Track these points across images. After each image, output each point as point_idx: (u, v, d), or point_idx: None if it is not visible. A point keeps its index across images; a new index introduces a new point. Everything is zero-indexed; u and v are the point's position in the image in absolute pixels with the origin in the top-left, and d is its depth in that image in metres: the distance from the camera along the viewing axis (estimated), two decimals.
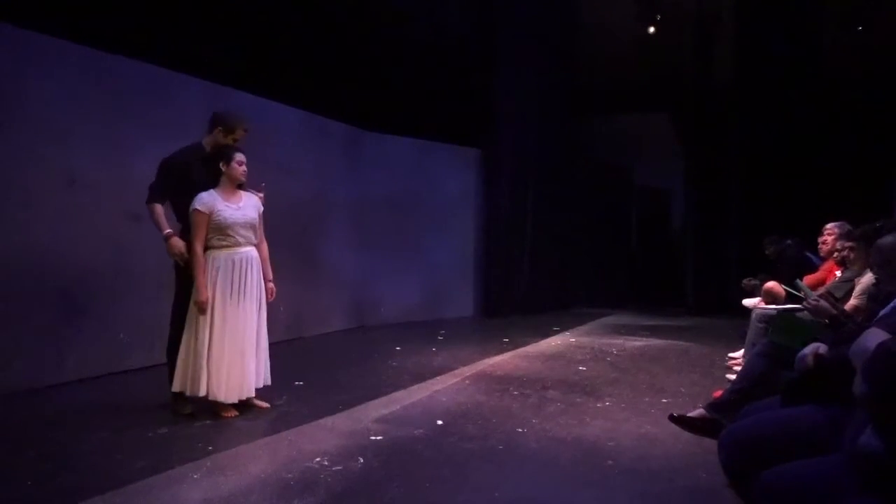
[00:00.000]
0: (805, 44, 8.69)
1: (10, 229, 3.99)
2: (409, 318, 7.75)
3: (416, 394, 4.18)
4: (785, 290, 4.43)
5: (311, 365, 5.14)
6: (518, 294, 8.88)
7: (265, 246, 3.75)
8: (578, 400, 4.06)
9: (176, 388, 3.47)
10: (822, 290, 3.86)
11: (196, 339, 3.44)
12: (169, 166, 3.61)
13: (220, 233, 3.50)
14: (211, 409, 3.52)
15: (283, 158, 6.00)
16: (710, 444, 2.71)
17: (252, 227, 3.62)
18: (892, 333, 1.70)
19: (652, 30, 9.27)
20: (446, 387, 4.39)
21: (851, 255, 3.82)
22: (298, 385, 4.31)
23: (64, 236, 4.27)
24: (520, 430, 3.40)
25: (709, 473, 2.69)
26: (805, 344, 2.15)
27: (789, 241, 6.15)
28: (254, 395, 3.65)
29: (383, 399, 4.01)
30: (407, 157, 7.84)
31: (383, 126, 7.59)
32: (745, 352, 4.68)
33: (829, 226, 4.43)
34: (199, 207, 3.45)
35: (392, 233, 7.69)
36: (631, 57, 9.51)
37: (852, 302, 3.49)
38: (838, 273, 4.13)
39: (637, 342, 6.47)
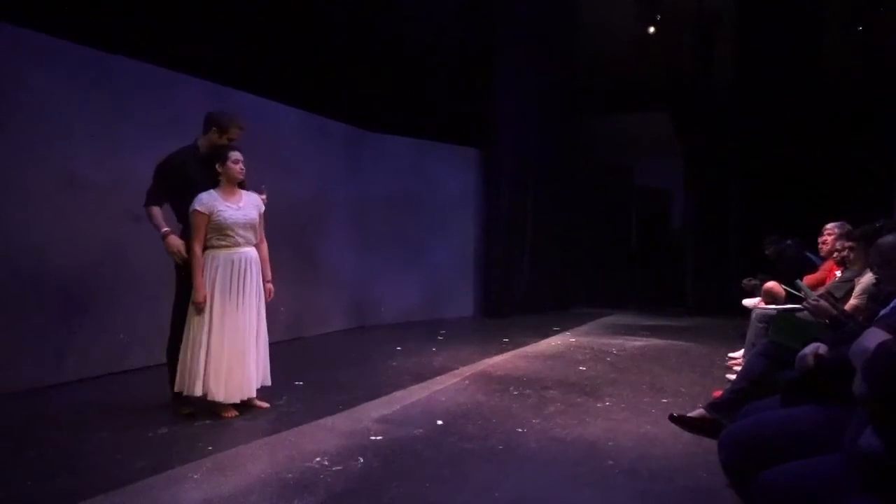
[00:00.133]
0: (805, 44, 8.68)
1: (10, 229, 3.99)
2: (409, 318, 7.75)
3: (416, 394, 4.18)
4: (785, 290, 4.43)
5: (311, 365, 5.14)
6: (518, 294, 8.88)
7: (265, 246, 3.75)
8: (578, 400, 4.06)
9: (176, 388, 3.48)
10: (822, 290, 3.86)
11: (193, 338, 3.45)
12: (165, 169, 3.61)
13: (220, 233, 3.50)
14: (211, 409, 3.52)
15: (283, 158, 6.00)
16: (710, 444, 2.71)
17: (252, 227, 3.62)
18: (892, 333, 1.70)
19: (652, 30, 9.27)
20: (446, 387, 4.39)
21: (851, 255, 3.82)
22: (298, 385, 4.31)
23: (64, 236, 4.27)
24: (520, 430, 3.40)
25: (709, 473, 2.70)
26: (805, 344, 2.15)
27: (789, 241, 6.15)
28: (255, 395, 3.65)
29: (383, 399, 4.01)
30: (407, 157, 7.84)
31: (383, 126, 7.59)
32: (745, 352, 4.68)
33: (829, 226, 4.43)
34: (198, 208, 3.45)
35: (392, 233, 7.69)
36: (631, 57, 9.50)
37: (852, 302, 3.49)
38: (838, 273, 4.13)
39: (637, 342, 6.47)
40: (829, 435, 1.76)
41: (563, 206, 9.54)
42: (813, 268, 5.10)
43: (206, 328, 3.43)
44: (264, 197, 3.78)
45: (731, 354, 5.38)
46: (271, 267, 3.78)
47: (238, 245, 3.55)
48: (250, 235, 3.61)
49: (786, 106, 8.63)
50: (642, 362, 5.38)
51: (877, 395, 1.45)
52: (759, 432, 1.96)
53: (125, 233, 4.59)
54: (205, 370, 3.41)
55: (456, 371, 4.90)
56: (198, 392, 3.41)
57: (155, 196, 3.61)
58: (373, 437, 3.23)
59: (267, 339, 3.73)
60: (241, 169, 3.57)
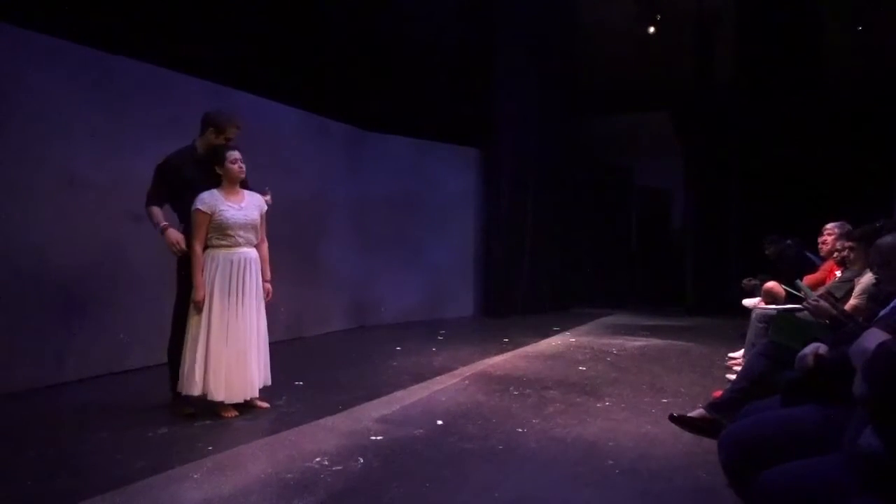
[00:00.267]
0: (805, 44, 8.68)
1: (10, 229, 3.99)
2: (409, 318, 7.75)
3: (416, 394, 4.18)
4: (785, 290, 4.43)
5: (311, 365, 5.14)
6: (518, 294, 8.88)
7: (266, 246, 3.75)
8: (578, 400, 4.06)
9: (181, 389, 3.47)
10: (822, 290, 3.86)
11: (193, 338, 3.45)
12: (163, 170, 3.61)
13: (221, 232, 3.50)
14: (211, 409, 3.52)
15: (283, 158, 6.00)
16: (710, 444, 2.71)
17: (254, 227, 3.62)
18: (892, 333, 1.70)
19: (652, 30, 9.27)
20: (446, 387, 4.39)
21: (851, 255, 3.82)
22: (298, 385, 4.31)
23: (64, 236, 4.27)
24: (520, 430, 3.40)
25: (709, 473, 2.70)
26: (805, 344, 2.15)
27: (789, 241, 6.15)
28: (257, 395, 3.66)
29: (383, 399, 4.01)
30: (407, 157, 7.84)
31: (383, 126, 7.59)
32: (745, 352, 4.68)
33: (829, 226, 4.43)
34: (200, 207, 3.45)
35: (392, 233, 7.69)
36: (631, 57, 9.50)
37: (852, 302, 3.49)
38: (838, 273, 4.13)
39: (637, 342, 6.47)
40: (829, 435, 1.75)
41: (563, 206, 9.53)
42: (813, 268, 5.10)
43: (205, 328, 3.43)
44: (268, 199, 3.79)
45: (731, 354, 5.38)
46: (271, 267, 3.78)
47: (238, 245, 3.55)
48: (251, 236, 3.61)
49: (786, 106, 8.63)
50: (642, 362, 5.38)
51: (877, 395, 1.45)
52: (759, 432, 1.96)
53: (125, 233, 4.59)
54: (204, 370, 3.41)
55: (456, 371, 4.90)
56: (195, 391, 3.41)
57: (155, 197, 3.62)
58: (373, 437, 3.23)
59: (267, 339, 3.73)
60: (241, 168, 3.56)
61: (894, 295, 2.12)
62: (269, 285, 3.74)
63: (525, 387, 4.39)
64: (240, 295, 3.52)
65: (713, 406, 3.26)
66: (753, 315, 4.63)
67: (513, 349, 5.92)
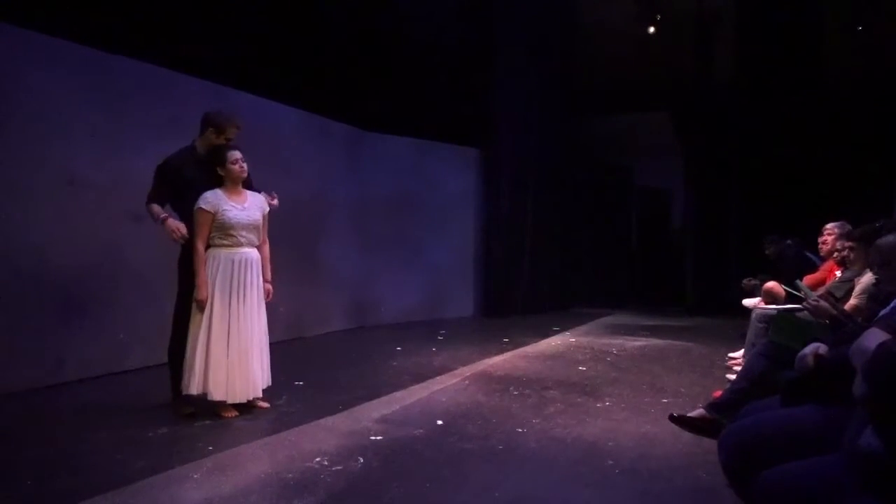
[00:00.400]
0: (805, 44, 8.69)
1: (10, 229, 3.99)
2: (409, 318, 7.75)
3: (416, 394, 4.18)
4: (785, 290, 4.43)
5: (311, 365, 5.14)
6: (518, 294, 8.88)
7: (267, 247, 3.75)
8: (578, 400, 4.06)
9: (184, 389, 3.46)
10: (822, 290, 3.86)
11: (194, 338, 3.45)
12: (164, 171, 3.61)
13: (223, 232, 3.50)
14: (211, 409, 3.52)
15: (283, 158, 5.99)
16: (710, 444, 2.70)
17: (256, 228, 3.62)
18: (893, 333, 1.70)
19: (652, 30, 9.27)
20: (446, 387, 4.39)
21: (851, 255, 3.82)
22: (298, 385, 4.31)
23: (64, 236, 4.27)
24: (520, 430, 3.40)
25: (709, 473, 2.70)
26: (805, 344, 2.15)
27: (789, 241, 6.16)
28: (260, 395, 3.66)
29: (383, 399, 4.01)
30: (407, 157, 7.84)
31: (383, 126, 7.59)
32: (745, 352, 4.68)
33: (829, 226, 4.43)
34: (203, 206, 3.45)
35: (392, 233, 7.69)
36: (631, 57, 9.51)
37: (852, 302, 3.49)
38: (838, 273, 4.13)
39: (637, 342, 6.47)
40: (829, 435, 1.75)
41: (563, 206, 9.53)
42: (813, 268, 5.10)
43: (206, 327, 3.43)
44: (275, 203, 3.79)
45: (731, 354, 5.38)
46: (272, 268, 3.78)
47: (240, 245, 3.56)
48: (253, 236, 3.62)
49: (786, 106, 8.63)
50: (642, 362, 5.38)
51: (877, 396, 1.45)
52: (759, 432, 1.96)
53: (125, 233, 4.59)
54: (205, 369, 3.41)
55: (456, 371, 4.90)
56: (193, 390, 3.41)
57: (155, 198, 3.62)
58: (373, 437, 3.23)
59: (268, 339, 3.73)
60: (242, 168, 3.56)
61: (894, 295, 2.12)
62: (269, 286, 3.74)
63: (525, 387, 4.39)
64: (241, 295, 3.52)
65: (713, 406, 3.26)
66: (753, 315, 4.63)
67: (513, 349, 5.92)
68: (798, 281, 3.91)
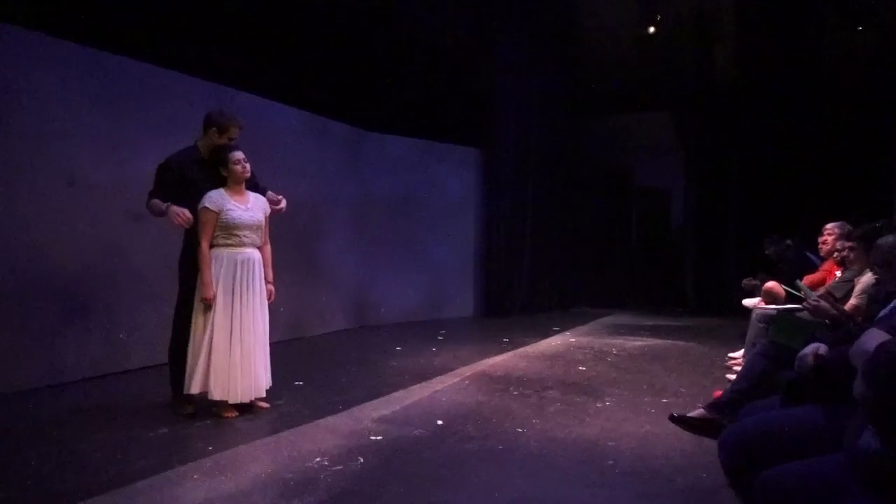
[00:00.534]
0: (805, 44, 8.69)
1: (10, 229, 3.99)
2: (409, 318, 7.75)
3: (416, 394, 4.18)
4: (785, 290, 4.43)
5: (311, 365, 5.14)
6: (518, 294, 8.88)
7: (269, 248, 3.75)
8: (578, 400, 4.06)
9: (186, 389, 3.45)
10: (822, 290, 3.86)
11: (196, 337, 3.45)
12: (165, 170, 3.61)
13: (227, 232, 3.50)
14: (211, 409, 3.52)
15: (283, 158, 6.00)
16: (710, 444, 2.71)
17: (259, 228, 3.63)
18: (892, 334, 1.70)
19: (652, 30, 9.28)
20: (446, 387, 4.39)
21: (851, 255, 3.82)
22: (298, 385, 4.31)
23: (64, 236, 4.27)
24: (520, 430, 3.40)
25: (709, 473, 2.70)
26: (805, 344, 2.15)
27: (789, 241, 6.16)
28: (263, 395, 3.66)
29: (383, 399, 4.01)
30: (407, 157, 7.84)
31: (384, 126, 7.59)
32: (745, 352, 4.68)
33: (829, 226, 4.43)
34: (208, 205, 3.45)
35: (392, 233, 7.70)
36: (631, 57, 9.51)
37: (852, 302, 3.49)
38: (838, 273, 4.13)
39: (637, 342, 6.47)
40: (829, 435, 1.76)
41: (563, 206, 9.53)
42: (813, 268, 5.10)
43: (209, 327, 3.43)
44: (283, 206, 3.80)
45: (731, 354, 5.38)
46: (273, 269, 3.78)
47: (243, 245, 3.56)
48: (255, 237, 3.62)
49: (786, 106, 8.64)
50: (642, 362, 5.38)
51: (876, 396, 1.45)
52: (760, 432, 1.96)
53: (125, 233, 4.59)
54: (208, 369, 3.41)
55: (456, 371, 4.90)
56: (194, 390, 3.41)
57: (157, 197, 3.61)
58: (373, 437, 3.23)
59: (268, 340, 3.73)
60: (244, 168, 3.57)
61: (894, 295, 2.12)
62: (271, 287, 3.74)
63: (525, 387, 4.39)
64: (244, 295, 3.52)
65: (713, 406, 3.26)
66: (753, 315, 4.63)
67: (513, 349, 5.92)
68: (798, 281, 3.91)
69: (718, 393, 3.53)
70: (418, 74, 7.67)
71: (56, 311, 4.24)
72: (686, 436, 3.25)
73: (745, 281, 5.93)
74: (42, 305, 4.15)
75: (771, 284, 4.81)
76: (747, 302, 5.40)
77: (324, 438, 3.20)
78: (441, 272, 8.16)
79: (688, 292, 9.77)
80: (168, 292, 3.75)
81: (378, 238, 7.56)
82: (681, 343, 6.42)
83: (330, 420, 3.53)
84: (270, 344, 3.77)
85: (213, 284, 3.44)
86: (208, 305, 3.42)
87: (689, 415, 3.33)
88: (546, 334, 6.88)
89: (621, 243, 11.61)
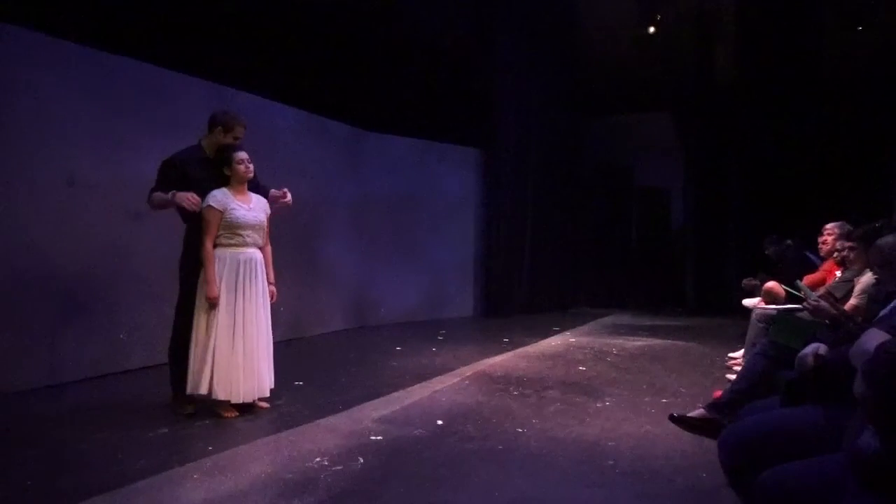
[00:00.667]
0: (805, 44, 8.69)
1: (10, 229, 3.99)
2: (409, 318, 7.75)
3: (416, 394, 4.18)
4: (785, 290, 4.43)
5: (311, 365, 5.14)
6: (518, 294, 8.88)
7: (269, 248, 3.76)
8: (578, 400, 4.06)
9: (189, 389, 3.45)
10: (822, 290, 3.86)
11: (200, 337, 3.44)
12: (168, 166, 3.61)
13: (230, 231, 3.50)
14: (211, 409, 3.52)
15: (283, 158, 5.99)
16: (710, 444, 2.70)
17: (261, 228, 3.64)
18: (892, 334, 1.70)
19: (652, 30, 9.28)
20: (446, 387, 4.39)
21: (851, 255, 3.82)
22: (298, 385, 4.31)
23: (64, 236, 4.27)
24: (520, 430, 3.40)
25: (709, 473, 2.70)
26: (805, 344, 2.15)
27: (789, 242, 6.16)
28: (267, 395, 3.67)
29: (383, 399, 4.01)
30: (407, 157, 7.84)
31: (384, 126, 7.59)
32: (745, 352, 4.68)
33: (829, 226, 4.43)
34: (212, 204, 3.45)
35: (392, 233, 7.70)
36: (631, 57, 9.51)
37: (852, 302, 3.49)
38: (838, 273, 4.13)
39: (637, 342, 6.47)
40: (829, 435, 1.76)
41: (563, 206, 9.53)
42: (813, 268, 5.10)
43: (213, 327, 3.43)
44: (288, 199, 3.80)
45: (731, 354, 5.38)
46: (273, 270, 3.79)
47: (246, 245, 3.56)
48: (258, 237, 3.62)
49: (786, 106, 8.64)
50: (642, 362, 5.38)
51: (876, 396, 1.45)
52: (759, 432, 1.96)
53: (125, 232, 4.59)
54: (210, 369, 3.41)
55: (456, 371, 4.90)
56: (204, 391, 3.40)
57: (158, 190, 3.61)
58: (373, 437, 3.23)
59: (271, 340, 3.73)
60: (248, 168, 3.57)
61: (894, 295, 2.12)
62: (273, 287, 3.75)
63: (525, 387, 4.39)
64: (247, 295, 3.52)
65: (713, 406, 3.26)
66: (753, 315, 4.63)
67: (513, 349, 5.92)
68: (798, 281, 3.91)
69: (718, 393, 3.52)
70: (418, 74, 7.67)
71: (56, 311, 4.24)
72: (686, 436, 3.25)
73: (745, 281, 5.93)
74: (42, 305, 4.16)
75: (771, 284, 4.81)
76: (747, 302, 5.40)
77: (324, 438, 3.20)
78: (441, 272, 8.16)
79: (688, 292, 9.77)
80: (168, 292, 3.75)
81: (378, 238, 7.56)
82: (681, 343, 6.42)
83: (330, 420, 3.53)
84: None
85: (217, 284, 3.44)
86: (212, 305, 3.41)
87: (689, 415, 3.33)
88: (546, 334, 6.88)
89: (621, 243, 11.60)
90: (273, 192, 3.85)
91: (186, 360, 3.47)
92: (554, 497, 2.58)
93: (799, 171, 8.52)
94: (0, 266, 3.94)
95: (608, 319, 8.48)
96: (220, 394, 3.42)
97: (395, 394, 4.15)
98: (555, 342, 6.47)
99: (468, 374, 4.81)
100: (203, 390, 3.40)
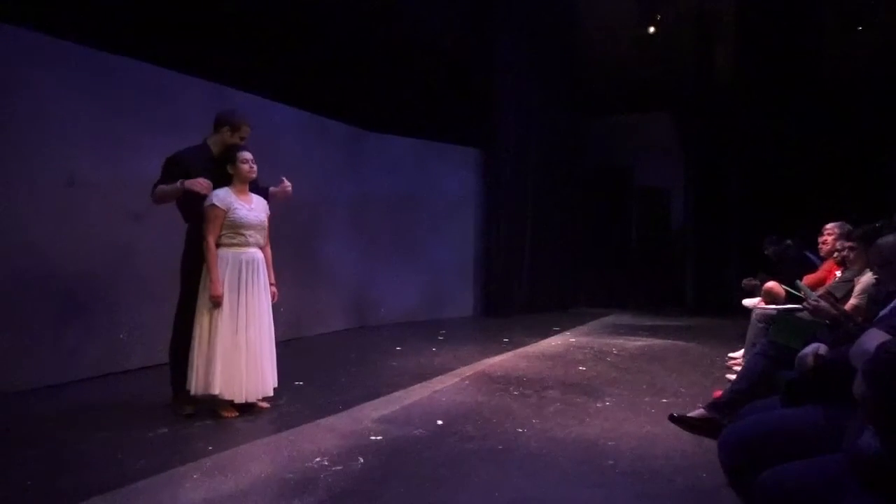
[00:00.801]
0: (805, 44, 8.69)
1: (10, 229, 3.99)
2: (409, 318, 7.75)
3: (416, 394, 4.18)
4: (785, 290, 4.43)
5: (311, 365, 5.14)
6: (518, 294, 8.88)
7: (269, 250, 3.76)
8: (578, 400, 4.06)
9: (188, 387, 3.45)
10: (822, 290, 3.86)
11: (203, 337, 3.43)
12: (172, 163, 3.61)
13: (233, 231, 3.50)
14: (211, 409, 3.52)
15: (283, 158, 5.98)
16: (710, 444, 2.71)
17: (263, 228, 3.65)
18: (892, 334, 1.70)
19: (652, 30, 9.28)
20: (446, 387, 4.39)
21: (851, 255, 3.82)
22: (298, 385, 4.31)
23: (64, 236, 4.27)
24: (520, 430, 3.40)
25: (709, 473, 2.70)
26: (805, 344, 2.15)
27: (789, 242, 6.15)
28: (271, 394, 3.67)
29: (383, 399, 4.01)
30: (407, 156, 7.84)
31: (384, 126, 7.60)
32: (745, 352, 4.68)
33: (829, 226, 4.43)
34: (216, 203, 3.45)
35: (392, 233, 7.70)
36: (631, 57, 9.51)
37: (852, 302, 3.50)
38: (838, 273, 4.13)
39: (637, 342, 6.47)
40: (829, 435, 1.76)
41: (563, 206, 9.53)
42: (813, 268, 5.10)
43: (215, 326, 3.42)
44: (289, 188, 3.79)
45: (731, 354, 5.38)
46: (273, 270, 3.79)
47: (248, 245, 3.56)
48: (260, 237, 3.63)
49: (786, 106, 8.64)
50: (642, 362, 5.38)
51: (876, 396, 1.45)
52: (760, 432, 1.96)
53: (126, 232, 4.59)
54: (213, 369, 3.40)
55: (456, 371, 4.90)
56: (216, 390, 3.40)
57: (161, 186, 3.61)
58: (373, 437, 3.23)
59: (274, 339, 3.73)
60: (251, 168, 3.58)
61: (894, 295, 2.12)
62: (274, 288, 3.75)
63: (525, 387, 4.39)
64: (250, 295, 3.52)
65: (713, 406, 3.26)
66: (753, 315, 4.62)
67: (513, 349, 5.92)
68: (798, 281, 3.91)
69: (718, 393, 3.52)
70: (418, 74, 7.67)
71: (56, 311, 4.24)
72: (686, 436, 3.25)
73: (745, 281, 5.92)
74: (42, 305, 4.16)
75: (771, 284, 4.81)
76: (747, 302, 5.40)
77: (324, 438, 3.20)
78: (441, 272, 8.16)
79: (688, 292, 9.77)
80: (168, 292, 3.75)
81: (378, 238, 7.56)
82: (681, 343, 6.42)
83: (330, 420, 3.53)
84: None
85: (221, 283, 3.44)
86: (216, 304, 3.41)
87: (689, 415, 3.33)
88: (546, 334, 6.88)
89: (621, 243, 11.60)
90: (272, 189, 3.85)
91: (187, 360, 3.46)
92: (554, 497, 2.58)
93: (799, 171, 8.53)
94: (0, 266, 3.94)
95: (608, 319, 8.48)
96: (225, 393, 3.42)
97: (395, 394, 4.15)
98: (555, 342, 6.46)
99: (468, 374, 4.81)
100: (215, 390, 3.39)
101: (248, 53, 5.74)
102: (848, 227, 4.17)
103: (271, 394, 3.67)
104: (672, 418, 3.39)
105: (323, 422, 3.49)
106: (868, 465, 1.48)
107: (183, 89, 5.06)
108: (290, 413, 3.65)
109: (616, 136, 10.53)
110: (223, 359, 3.41)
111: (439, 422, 3.52)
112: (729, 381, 4.09)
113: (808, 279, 4.49)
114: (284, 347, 5.40)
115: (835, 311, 2.88)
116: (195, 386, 3.42)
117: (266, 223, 3.67)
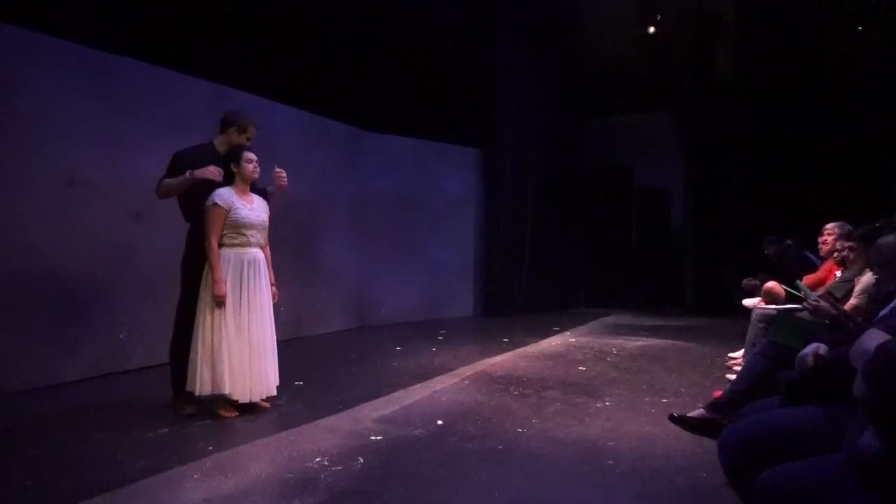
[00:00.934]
0: (805, 44, 8.69)
1: (10, 229, 3.99)
2: (409, 318, 7.76)
3: (416, 394, 4.18)
4: (785, 290, 4.43)
5: (311, 365, 5.14)
6: (518, 294, 8.89)
7: (269, 250, 3.76)
8: (578, 400, 4.06)
9: (188, 387, 3.45)
10: (822, 290, 3.86)
11: (205, 337, 3.43)
12: (178, 161, 3.60)
13: (235, 231, 3.51)
14: (211, 409, 3.52)
15: (283, 158, 5.92)
16: (710, 444, 2.71)
17: (264, 228, 3.66)
18: (892, 334, 1.70)
19: (652, 30, 9.28)
20: (446, 387, 4.39)
21: (851, 255, 3.82)
22: (298, 385, 4.31)
23: (64, 236, 4.27)
24: (520, 430, 3.40)
25: (709, 473, 2.70)
26: (805, 344, 2.15)
27: (789, 242, 6.15)
28: (274, 393, 3.67)
29: (383, 399, 4.01)
30: (407, 156, 7.85)
31: (383, 126, 7.60)
32: (745, 352, 4.68)
33: (829, 226, 4.43)
34: (218, 202, 3.45)
35: (392, 233, 7.70)
36: (631, 57, 9.51)
37: (852, 302, 3.49)
38: (838, 273, 4.13)
39: (637, 342, 6.47)
40: (829, 435, 1.76)
41: (564, 206, 9.54)
42: (813, 268, 5.10)
43: (217, 326, 3.42)
44: (283, 178, 3.79)
45: (731, 354, 5.38)
46: (273, 270, 3.79)
47: (250, 245, 3.57)
48: (261, 237, 3.63)
49: (786, 106, 8.64)
50: (642, 362, 5.38)
51: (876, 396, 1.45)
52: (759, 432, 1.96)
53: (126, 232, 4.60)
54: (215, 369, 3.40)
55: (456, 371, 4.90)
56: (208, 391, 3.40)
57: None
58: (373, 437, 3.23)
59: (276, 339, 3.74)
60: (255, 168, 3.59)
61: (894, 295, 2.12)
62: (275, 288, 3.75)
63: (525, 387, 4.39)
64: (252, 294, 3.53)
65: (713, 406, 3.26)
66: (753, 315, 4.62)
67: (513, 349, 5.92)
68: (798, 281, 3.91)
69: (718, 393, 3.53)
70: (418, 74, 7.67)
71: (56, 311, 4.24)
72: (686, 436, 3.25)
73: (745, 281, 5.92)
74: (42, 305, 4.16)
75: (771, 284, 4.81)
76: (747, 302, 5.40)
77: (324, 438, 3.20)
78: (441, 272, 8.16)
79: (688, 292, 9.77)
80: (168, 292, 3.75)
81: (378, 238, 7.56)
82: (681, 343, 6.42)
83: (330, 420, 3.53)
84: None
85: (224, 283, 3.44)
86: (219, 303, 3.41)
87: (689, 415, 3.33)
88: (546, 334, 6.88)
89: (621, 243, 11.61)
90: (270, 188, 3.85)
91: (187, 360, 3.46)
92: (554, 497, 2.58)
93: (799, 171, 8.52)
94: (0, 266, 3.94)
95: (608, 319, 8.48)
96: (226, 392, 3.42)
97: (395, 394, 4.15)
98: (555, 342, 6.47)
99: (468, 374, 4.81)
100: (225, 389, 3.39)
101: (248, 53, 5.74)
102: (848, 227, 4.17)
103: (274, 393, 3.68)
104: (672, 418, 3.39)
105: (323, 422, 3.49)
106: (868, 465, 1.48)
107: (183, 89, 5.06)
108: (291, 413, 3.65)
109: (616, 136, 10.53)
110: (225, 359, 3.41)
111: (439, 422, 3.52)
112: (729, 381, 4.09)
113: (808, 279, 4.49)
114: (285, 347, 5.39)
115: (835, 311, 2.89)
116: (200, 386, 3.41)
117: (267, 223, 3.68)
